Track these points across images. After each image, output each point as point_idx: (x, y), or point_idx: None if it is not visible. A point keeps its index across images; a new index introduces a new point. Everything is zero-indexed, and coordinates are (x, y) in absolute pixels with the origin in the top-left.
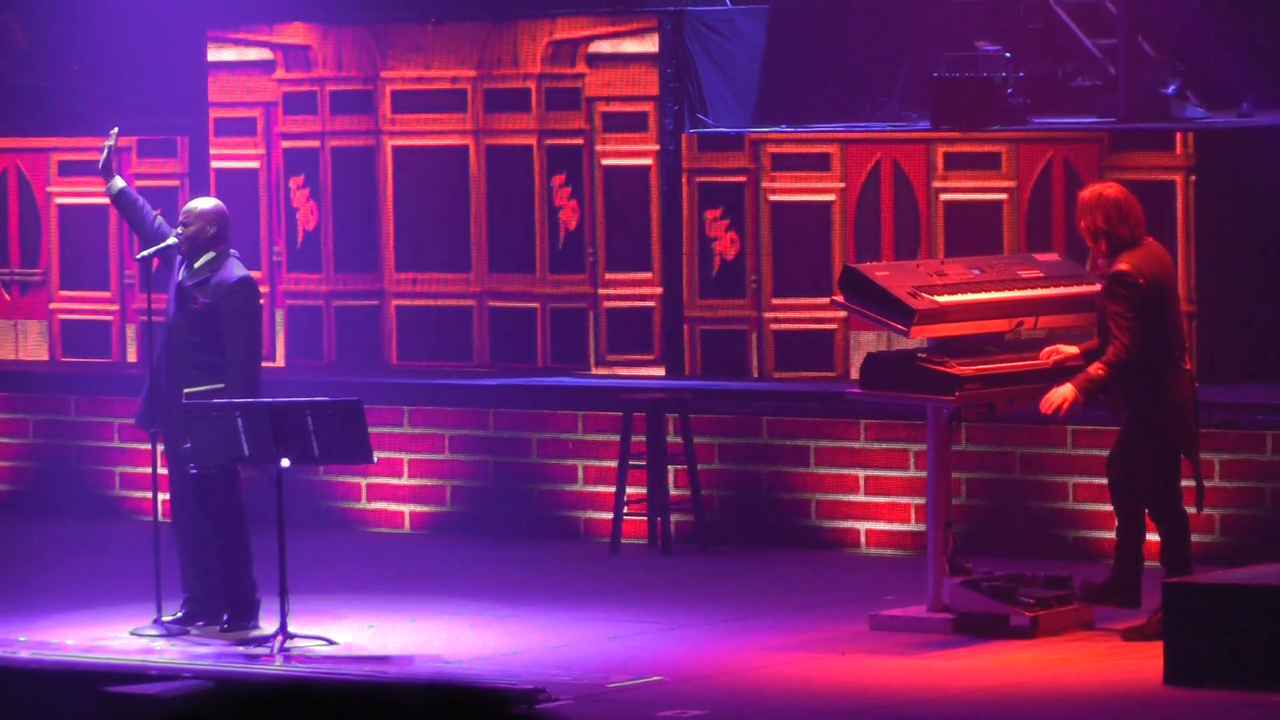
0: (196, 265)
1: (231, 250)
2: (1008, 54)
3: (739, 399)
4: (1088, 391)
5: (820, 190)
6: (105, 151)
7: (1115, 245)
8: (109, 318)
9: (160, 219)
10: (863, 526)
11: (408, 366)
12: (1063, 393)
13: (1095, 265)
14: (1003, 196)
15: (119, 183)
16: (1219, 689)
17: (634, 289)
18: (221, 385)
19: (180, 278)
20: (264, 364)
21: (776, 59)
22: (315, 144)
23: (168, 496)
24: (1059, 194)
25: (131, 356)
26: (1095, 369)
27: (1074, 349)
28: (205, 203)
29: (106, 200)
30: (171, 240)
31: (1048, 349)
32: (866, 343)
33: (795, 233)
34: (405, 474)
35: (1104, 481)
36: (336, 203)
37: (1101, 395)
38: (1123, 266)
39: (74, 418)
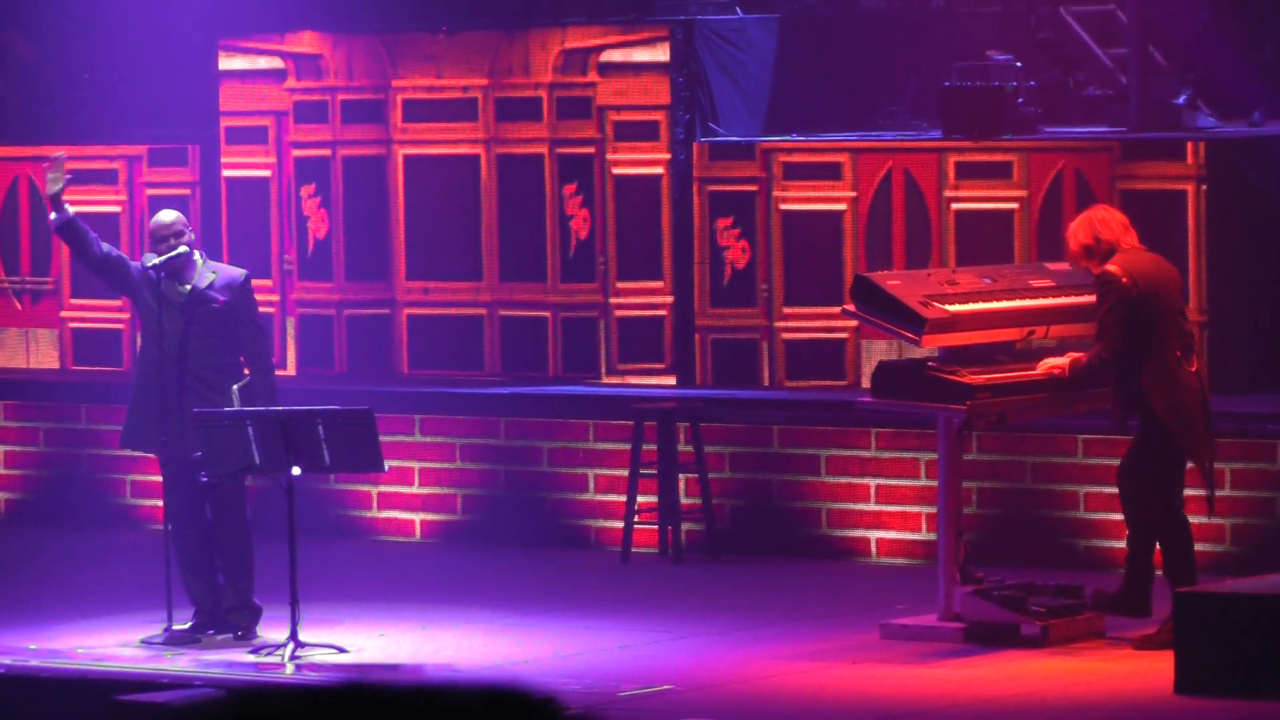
0: (195, 272)
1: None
2: (1019, 63)
3: (750, 408)
4: (1074, 372)
5: (831, 199)
6: (61, 179)
7: (1106, 254)
8: (120, 326)
9: (108, 245)
10: (874, 535)
11: (419, 375)
12: (1056, 361)
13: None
14: (1014, 206)
15: (69, 211)
16: (1230, 698)
17: (645, 298)
18: (245, 381)
19: (189, 286)
20: (276, 373)
21: (788, 68)
22: (326, 153)
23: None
24: (1070, 203)
25: None
26: (1084, 355)
27: (1064, 360)
28: (173, 214)
29: (117, 209)
30: (183, 249)
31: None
32: (878, 351)
33: (806, 242)
34: (416, 482)
35: (1115, 491)
36: (348, 212)
37: (1094, 389)
38: (1109, 267)
39: (85, 426)
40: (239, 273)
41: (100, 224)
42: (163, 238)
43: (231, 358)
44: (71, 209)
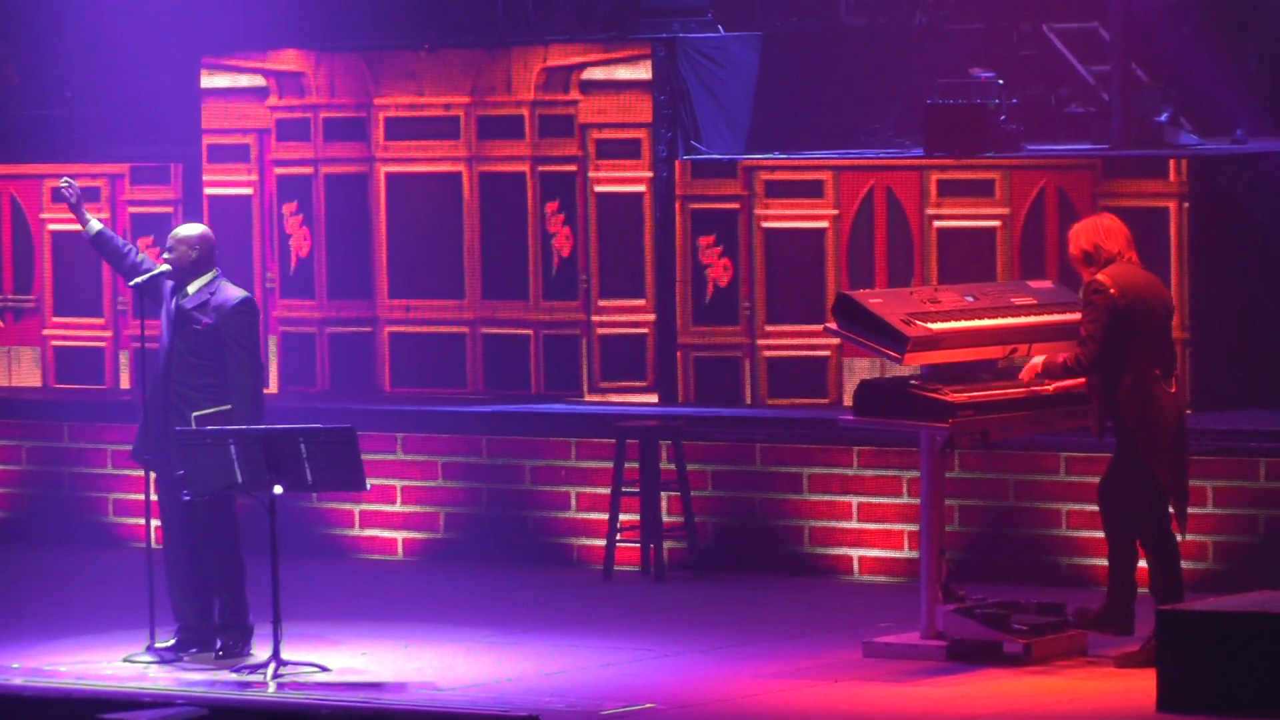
0: (190, 289)
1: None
2: (1001, 81)
3: (732, 426)
4: (1048, 370)
5: (813, 217)
6: (75, 199)
7: (1104, 264)
8: (102, 344)
9: (143, 254)
10: (856, 553)
11: (401, 393)
12: (1033, 363)
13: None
14: (996, 223)
15: (95, 224)
16: (1212, 716)
17: (627, 316)
18: (228, 406)
19: (175, 303)
20: (260, 401)
21: (770, 86)
22: (309, 170)
23: (159, 524)
24: (1052, 221)
25: (124, 383)
26: (1059, 355)
27: (1038, 359)
28: (190, 229)
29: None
30: (164, 267)
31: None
32: (860, 369)
33: (788, 260)
34: (398, 501)
35: (1097, 508)
36: (330, 229)
37: (1064, 393)
38: (1098, 276)
39: (67, 444)
40: (235, 296)
41: (82, 242)
42: (168, 248)
43: (213, 379)
44: (97, 223)
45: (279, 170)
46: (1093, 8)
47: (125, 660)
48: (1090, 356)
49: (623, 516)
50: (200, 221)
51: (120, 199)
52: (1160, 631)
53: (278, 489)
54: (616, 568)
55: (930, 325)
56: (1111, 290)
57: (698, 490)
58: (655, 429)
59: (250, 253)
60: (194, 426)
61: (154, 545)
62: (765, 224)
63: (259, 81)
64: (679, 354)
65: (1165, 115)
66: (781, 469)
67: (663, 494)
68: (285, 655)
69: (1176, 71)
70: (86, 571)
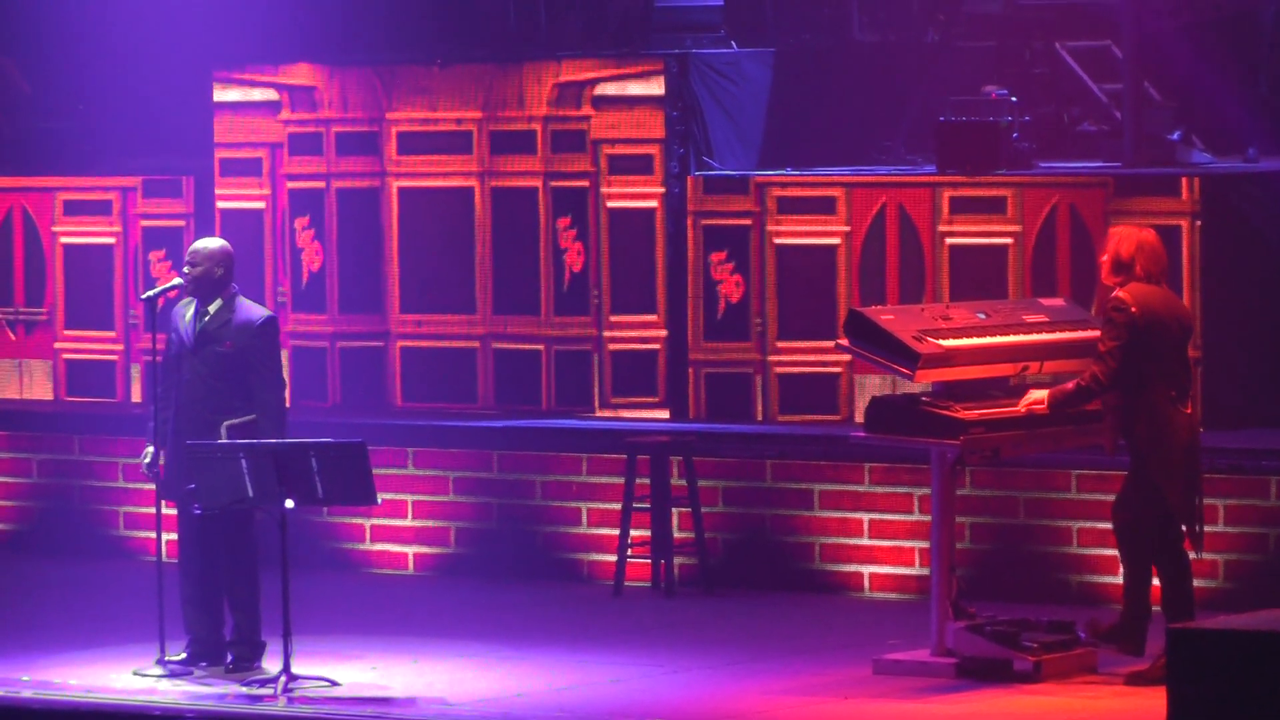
0: (211, 308)
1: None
2: (1014, 98)
3: (743, 442)
4: (1055, 403)
5: (825, 233)
6: None
7: (1133, 279)
8: (113, 357)
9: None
10: (866, 570)
11: (412, 408)
12: (1035, 396)
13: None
14: (1008, 241)
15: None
16: None
17: (639, 331)
18: (252, 417)
19: (197, 325)
20: (285, 420)
21: (782, 102)
22: (320, 185)
23: (173, 537)
24: (1064, 239)
25: (136, 396)
26: (1069, 384)
27: (1043, 394)
28: (212, 243)
29: (111, 240)
30: (177, 280)
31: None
32: (871, 386)
33: (800, 276)
34: (409, 515)
35: (1108, 526)
36: (341, 244)
37: (1075, 412)
38: (1119, 294)
39: (78, 457)
40: (259, 315)
41: (96, 254)
42: (189, 263)
43: (238, 401)
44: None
45: (291, 184)
46: (1105, 26)
47: (135, 673)
48: (1109, 374)
49: (633, 532)
50: (213, 235)
51: (132, 212)
52: (1170, 650)
53: (288, 503)
54: (627, 583)
55: (942, 342)
56: (1133, 309)
57: (708, 506)
58: (666, 445)
59: (262, 267)
60: (224, 438)
61: (165, 559)
62: (777, 240)
63: (271, 95)
64: (690, 370)
65: (1177, 134)
66: (792, 485)
67: (673, 510)
68: (295, 669)
69: (1189, 90)
70: (96, 584)
